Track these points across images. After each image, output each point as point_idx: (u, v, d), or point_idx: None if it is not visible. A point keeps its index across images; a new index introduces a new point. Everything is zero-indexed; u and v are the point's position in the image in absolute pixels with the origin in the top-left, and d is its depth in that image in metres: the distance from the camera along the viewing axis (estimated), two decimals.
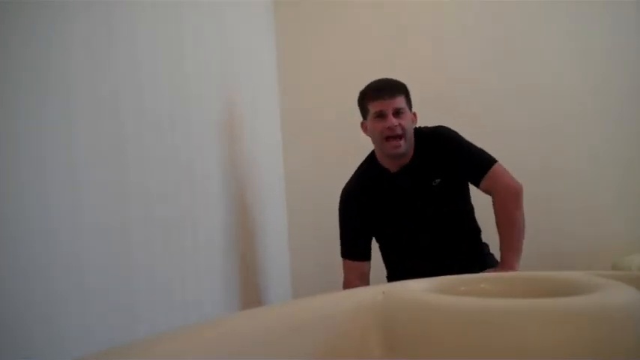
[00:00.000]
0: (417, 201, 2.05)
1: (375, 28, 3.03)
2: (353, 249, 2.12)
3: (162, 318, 1.36)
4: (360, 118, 2.09)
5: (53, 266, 0.97)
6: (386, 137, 1.99)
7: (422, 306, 1.05)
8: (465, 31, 2.97)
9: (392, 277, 2.12)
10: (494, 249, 2.15)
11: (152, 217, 1.36)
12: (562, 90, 2.90)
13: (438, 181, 2.04)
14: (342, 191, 2.14)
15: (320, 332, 1.12)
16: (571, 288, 1.04)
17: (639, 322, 0.94)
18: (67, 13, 1.07)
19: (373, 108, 2.01)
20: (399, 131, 1.98)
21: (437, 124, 2.11)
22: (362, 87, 2.10)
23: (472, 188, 2.10)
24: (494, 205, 2.02)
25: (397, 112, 1.99)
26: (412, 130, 2.03)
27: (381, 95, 2.00)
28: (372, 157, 2.13)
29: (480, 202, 2.13)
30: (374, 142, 2.07)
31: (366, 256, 2.12)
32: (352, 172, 2.16)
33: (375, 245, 2.17)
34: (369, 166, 2.12)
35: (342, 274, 2.13)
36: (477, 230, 2.14)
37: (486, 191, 2.04)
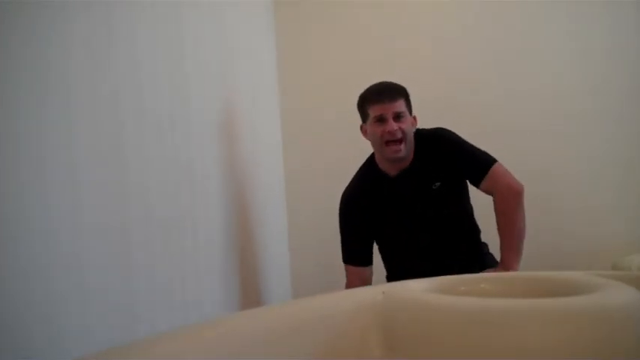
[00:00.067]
0: (417, 205, 2.04)
1: (375, 28, 3.04)
2: (355, 254, 2.11)
3: (162, 318, 1.36)
4: (360, 121, 2.08)
5: (53, 266, 0.97)
6: (386, 141, 1.98)
7: (422, 306, 1.05)
8: (465, 31, 2.97)
9: (392, 277, 2.12)
10: (494, 249, 2.15)
11: (152, 217, 1.36)
12: (562, 90, 2.91)
13: (437, 184, 2.03)
14: (342, 196, 2.13)
15: (320, 332, 1.12)
16: (571, 288, 1.04)
17: (639, 322, 0.94)
18: (67, 13, 1.07)
19: (373, 112, 1.99)
20: (399, 135, 1.97)
21: (436, 126, 2.10)
22: (362, 87, 2.10)
23: (471, 188, 2.10)
24: (494, 205, 2.01)
25: (397, 116, 1.98)
26: (412, 134, 2.02)
27: (381, 99, 1.99)
28: (371, 160, 2.12)
29: (480, 202, 2.13)
30: (373, 146, 2.06)
31: (368, 261, 2.11)
32: (352, 173, 2.15)
33: (375, 246, 2.17)
34: (369, 170, 2.11)
35: (342, 274, 2.13)
36: (476, 230, 2.14)
37: (487, 192, 2.03)
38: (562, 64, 2.91)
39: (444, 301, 1.04)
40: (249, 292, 2.17)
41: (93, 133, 1.12)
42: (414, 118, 2.05)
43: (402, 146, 1.98)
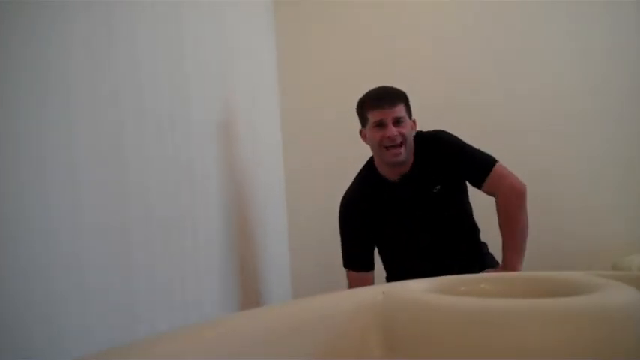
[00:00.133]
0: (418, 208, 2.03)
1: (375, 28, 3.03)
2: (355, 258, 2.10)
3: (162, 318, 1.36)
4: (359, 124, 2.07)
5: (53, 266, 0.97)
6: (386, 146, 1.97)
7: (422, 306, 1.05)
8: (464, 31, 2.97)
9: (391, 278, 2.11)
10: (493, 248, 2.15)
11: (152, 217, 1.36)
12: (562, 90, 2.91)
13: (438, 187, 2.02)
14: (342, 200, 2.12)
15: (320, 332, 1.12)
16: (571, 288, 1.04)
17: (639, 322, 0.94)
18: (67, 13, 1.07)
19: (373, 117, 1.98)
20: (399, 141, 1.95)
21: (436, 128, 2.09)
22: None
23: (471, 187, 2.09)
24: (497, 206, 2.01)
25: (397, 121, 1.96)
26: (412, 138, 2.01)
27: (381, 104, 1.97)
28: (371, 165, 2.10)
29: (479, 201, 2.13)
30: (373, 150, 2.05)
31: (370, 266, 2.10)
32: (352, 173, 2.15)
33: (375, 248, 2.16)
34: (369, 175, 2.09)
35: (342, 274, 2.13)
36: (475, 230, 2.14)
37: (489, 193, 2.02)
38: (562, 64, 2.91)
39: (444, 301, 1.04)
40: (249, 292, 2.17)
41: (93, 133, 1.12)
42: (414, 121, 2.03)
43: (402, 150, 1.97)
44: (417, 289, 1.16)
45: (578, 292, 0.99)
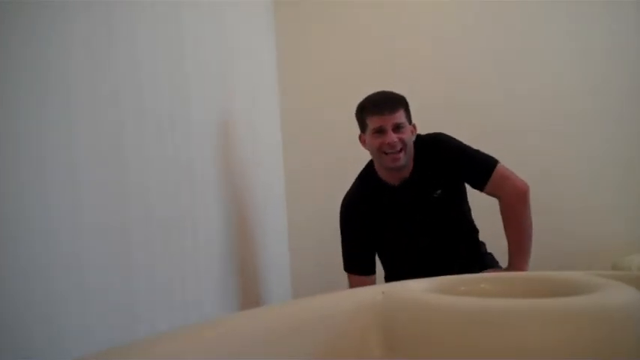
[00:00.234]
0: (418, 213, 2.03)
1: (375, 28, 3.04)
2: (357, 262, 2.09)
3: (162, 318, 1.36)
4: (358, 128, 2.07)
5: (53, 266, 0.97)
6: (385, 152, 1.95)
7: (422, 306, 1.05)
8: (464, 31, 2.97)
9: (390, 278, 2.11)
10: (491, 248, 2.15)
11: (152, 217, 1.36)
12: (562, 90, 2.91)
13: (439, 192, 2.01)
14: (343, 203, 2.11)
15: (320, 332, 1.12)
16: (571, 288, 1.04)
17: (639, 322, 0.94)
18: (67, 13, 1.07)
19: (372, 124, 1.96)
20: (398, 147, 1.94)
21: (435, 128, 2.08)
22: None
23: (469, 188, 2.09)
24: (501, 207, 2.01)
25: (397, 127, 1.94)
26: (412, 142, 1.99)
27: (381, 111, 1.94)
28: (371, 168, 2.09)
29: (478, 202, 2.13)
30: (372, 155, 2.04)
31: (371, 270, 2.10)
32: (352, 173, 2.14)
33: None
34: (369, 179, 2.08)
35: (342, 274, 2.13)
36: (474, 230, 2.14)
37: (492, 195, 2.02)
38: (562, 64, 2.91)
39: (444, 301, 1.04)
40: (249, 292, 2.17)
41: (93, 133, 1.12)
42: (414, 126, 2.02)
43: (402, 155, 1.95)
44: (417, 289, 1.16)
45: (578, 292, 0.99)
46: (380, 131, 1.95)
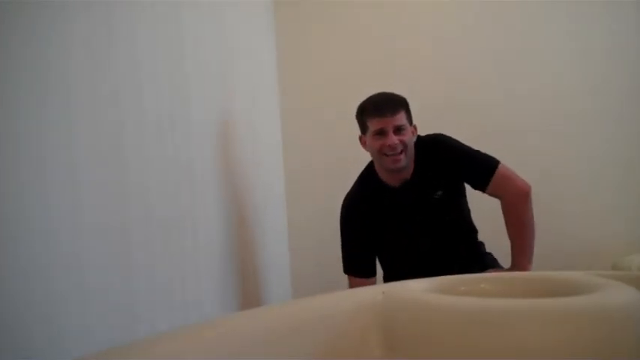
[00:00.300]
0: (418, 214, 2.03)
1: (375, 28, 3.04)
2: (356, 263, 2.09)
3: (162, 318, 1.36)
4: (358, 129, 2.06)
5: (53, 266, 0.97)
6: (386, 153, 1.95)
7: (422, 306, 1.05)
8: (465, 31, 2.97)
9: (390, 279, 2.10)
10: (490, 248, 2.15)
11: (152, 217, 1.36)
12: (562, 90, 2.91)
13: (440, 193, 2.01)
14: (343, 203, 2.11)
15: (320, 332, 1.12)
16: (571, 288, 1.04)
17: (639, 322, 0.94)
18: (67, 13, 1.07)
19: (373, 126, 1.95)
20: (399, 149, 1.93)
21: (436, 128, 2.08)
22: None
23: (469, 188, 2.09)
24: (503, 208, 2.00)
25: (398, 129, 1.93)
26: (413, 144, 1.99)
27: (382, 113, 1.93)
28: (371, 170, 2.08)
29: (477, 202, 2.13)
30: (373, 157, 2.03)
31: (371, 272, 2.09)
32: (352, 173, 2.14)
33: None
34: (369, 180, 2.08)
35: (342, 274, 2.13)
36: (474, 231, 2.14)
37: (494, 196, 2.02)
38: (562, 64, 2.91)
39: (444, 301, 1.04)
40: (249, 292, 2.17)
41: (93, 133, 1.12)
42: (414, 127, 2.01)
43: (402, 156, 1.95)
44: (417, 289, 1.16)
45: (578, 292, 0.99)
46: (381, 133, 1.94)
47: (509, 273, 1.80)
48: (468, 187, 2.08)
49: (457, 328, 0.96)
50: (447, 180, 2.01)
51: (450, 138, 2.05)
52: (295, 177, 3.02)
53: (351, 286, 2.09)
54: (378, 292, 1.16)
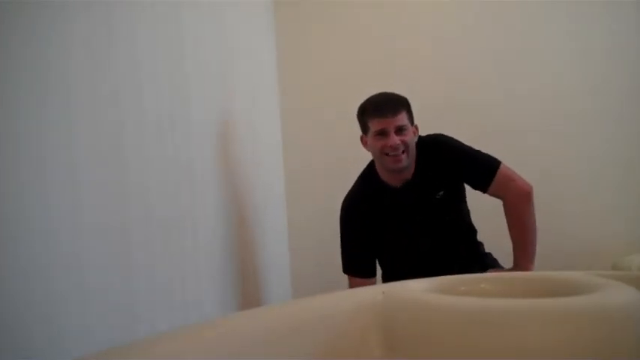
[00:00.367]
0: (419, 214, 2.02)
1: (375, 28, 3.03)
2: (356, 263, 2.09)
3: (162, 318, 1.36)
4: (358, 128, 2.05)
5: (53, 266, 0.97)
6: (387, 153, 1.94)
7: (422, 306, 1.05)
8: (465, 31, 2.97)
9: (389, 279, 2.09)
10: (491, 248, 2.15)
11: (152, 217, 1.36)
12: (562, 90, 2.91)
13: (441, 193, 2.01)
14: (343, 204, 2.10)
15: (320, 332, 1.12)
16: (571, 288, 1.04)
17: (639, 322, 0.94)
18: (67, 13, 1.07)
19: (374, 126, 1.94)
20: (401, 149, 1.92)
21: (436, 129, 2.08)
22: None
23: (469, 189, 2.09)
24: (505, 209, 2.00)
25: (399, 130, 1.93)
26: (414, 144, 1.98)
27: (383, 113, 1.93)
28: (372, 170, 2.08)
29: (476, 202, 2.13)
30: (374, 157, 2.03)
31: (371, 272, 2.09)
32: (352, 173, 2.14)
33: None
34: (370, 179, 2.07)
35: (342, 274, 2.13)
36: (473, 231, 2.13)
37: (495, 196, 2.01)
38: (562, 64, 2.91)
39: (444, 301, 1.04)
40: (249, 292, 2.17)
41: (93, 133, 1.12)
42: (416, 127, 2.00)
43: (404, 157, 1.94)
44: (417, 289, 1.16)
45: (578, 292, 0.99)
46: (382, 133, 1.94)
47: (509, 273, 1.80)
48: (467, 187, 2.08)
49: (457, 328, 0.96)
50: (448, 180, 2.01)
51: (451, 138, 2.04)
52: (295, 177, 3.02)
53: (351, 286, 2.08)
54: (378, 292, 1.16)
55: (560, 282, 1.12)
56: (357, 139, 2.07)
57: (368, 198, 2.06)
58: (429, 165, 2.01)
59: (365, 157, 2.12)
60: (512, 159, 2.09)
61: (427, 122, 2.11)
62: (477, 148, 2.04)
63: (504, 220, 2.02)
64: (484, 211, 2.14)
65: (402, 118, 1.94)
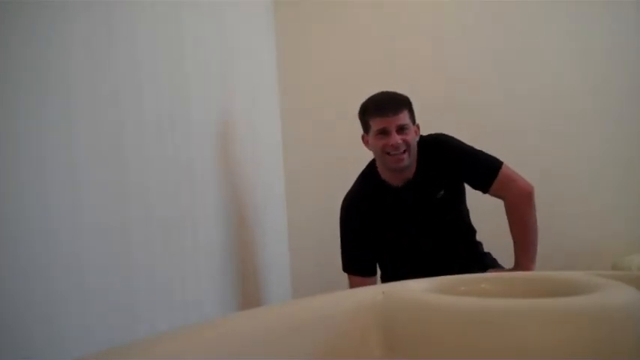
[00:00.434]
0: (420, 213, 2.02)
1: (375, 28, 3.04)
2: (356, 261, 2.08)
3: (162, 318, 1.36)
4: (360, 127, 2.05)
5: (53, 266, 0.97)
6: (388, 152, 1.94)
7: (422, 306, 1.05)
8: (465, 31, 2.97)
9: (388, 279, 2.09)
10: (491, 248, 2.15)
11: (152, 217, 1.36)
12: (562, 90, 2.91)
13: (442, 193, 2.01)
14: (343, 203, 2.10)
15: (320, 332, 1.12)
16: (571, 288, 1.04)
17: (639, 322, 0.94)
18: (67, 13, 1.07)
19: (376, 125, 1.94)
20: (403, 149, 1.92)
21: (436, 128, 2.08)
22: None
23: (469, 189, 2.09)
24: (506, 209, 2.00)
25: (401, 129, 1.92)
26: (416, 143, 1.98)
27: (385, 112, 1.92)
28: (373, 169, 2.08)
29: (476, 202, 2.13)
30: (376, 156, 2.03)
31: (371, 271, 2.09)
32: (352, 173, 2.14)
33: None
34: (371, 178, 2.07)
35: (342, 274, 2.12)
36: (473, 231, 2.14)
37: (497, 196, 2.01)
38: (562, 64, 2.91)
39: (444, 301, 1.04)
40: (249, 292, 2.17)
41: (93, 133, 1.12)
42: (417, 126, 2.00)
43: (405, 156, 1.94)
44: (417, 289, 1.16)
45: (578, 292, 0.99)
46: (383, 133, 1.94)
47: (509, 273, 1.80)
48: (467, 187, 2.08)
49: (457, 328, 0.96)
50: (449, 180, 2.01)
51: (452, 138, 2.04)
52: (295, 177, 3.02)
53: (351, 285, 2.09)
54: (378, 292, 1.16)
55: (560, 282, 1.12)
56: (358, 139, 2.07)
57: (368, 197, 2.06)
58: (430, 164, 2.01)
59: (365, 157, 2.12)
60: (512, 159, 2.09)
61: (427, 122, 2.11)
62: (477, 148, 2.04)
63: (504, 220, 2.02)
64: (484, 211, 2.14)
65: (403, 117, 1.93)
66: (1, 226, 0.86)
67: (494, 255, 2.13)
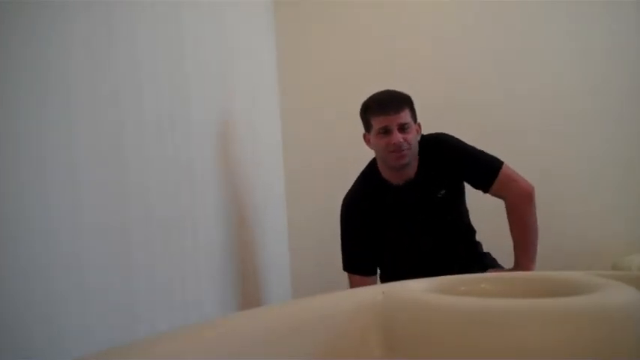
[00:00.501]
0: (421, 213, 2.02)
1: (375, 28, 3.04)
2: (357, 261, 2.08)
3: (162, 318, 1.36)
4: (361, 126, 2.05)
5: (53, 266, 0.97)
6: (390, 150, 1.94)
7: (422, 306, 1.05)
8: (465, 31, 2.97)
9: (388, 278, 2.09)
10: (491, 248, 2.15)
11: (152, 217, 1.36)
12: (562, 90, 2.91)
13: (442, 192, 2.01)
14: (344, 201, 2.10)
15: (320, 332, 1.11)
16: (571, 288, 1.04)
17: (639, 322, 0.94)
18: (67, 13, 1.07)
19: (377, 124, 1.94)
20: (404, 147, 1.92)
21: (436, 129, 2.08)
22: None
23: (468, 188, 2.09)
24: (507, 209, 2.01)
25: (402, 127, 1.92)
26: (417, 142, 1.98)
27: (386, 110, 1.92)
28: (374, 167, 2.07)
29: (475, 202, 2.13)
30: (377, 154, 2.03)
31: (371, 270, 2.09)
32: (352, 173, 2.13)
33: None
34: (372, 177, 2.07)
35: (342, 274, 2.13)
36: (472, 231, 2.14)
37: (497, 196, 2.02)
38: (562, 64, 2.91)
39: (444, 301, 1.04)
40: (249, 292, 2.17)
41: (93, 133, 1.12)
42: (419, 125, 2.00)
43: (407, 153, 1.94)
44: (417, 289, 1.16)
45: (578, 292, 0.99)
46: (385, 131, 1.94)
47: (509, 273, 1.80)
48: (467, 187, 2.08)
49: (457, 328, 0.96)
50: (450, 179, 2.01)
51: (453, 137, 2.05)
52: (295, 177, 3.02)
53: (351, 284, 2.09)
54: (378, 292, 1.16)
55: (560, 282, 1.12)
56: (358, 138, 2.07)
57: (369, 196, 2.06)
58: (431, 164, 2.01)
59: (365, 157, 2.12)
60: (512, 159, 2.09)
61: (427, 122, 2.11)
62: (478, 148, 2.04)
63: (504, 220, 2.02)
64: (484, 211, 2.14)
65: (405, 116, 1.93)
66: (1, 226, 0.86)
67: (494, 255, 2.13)
